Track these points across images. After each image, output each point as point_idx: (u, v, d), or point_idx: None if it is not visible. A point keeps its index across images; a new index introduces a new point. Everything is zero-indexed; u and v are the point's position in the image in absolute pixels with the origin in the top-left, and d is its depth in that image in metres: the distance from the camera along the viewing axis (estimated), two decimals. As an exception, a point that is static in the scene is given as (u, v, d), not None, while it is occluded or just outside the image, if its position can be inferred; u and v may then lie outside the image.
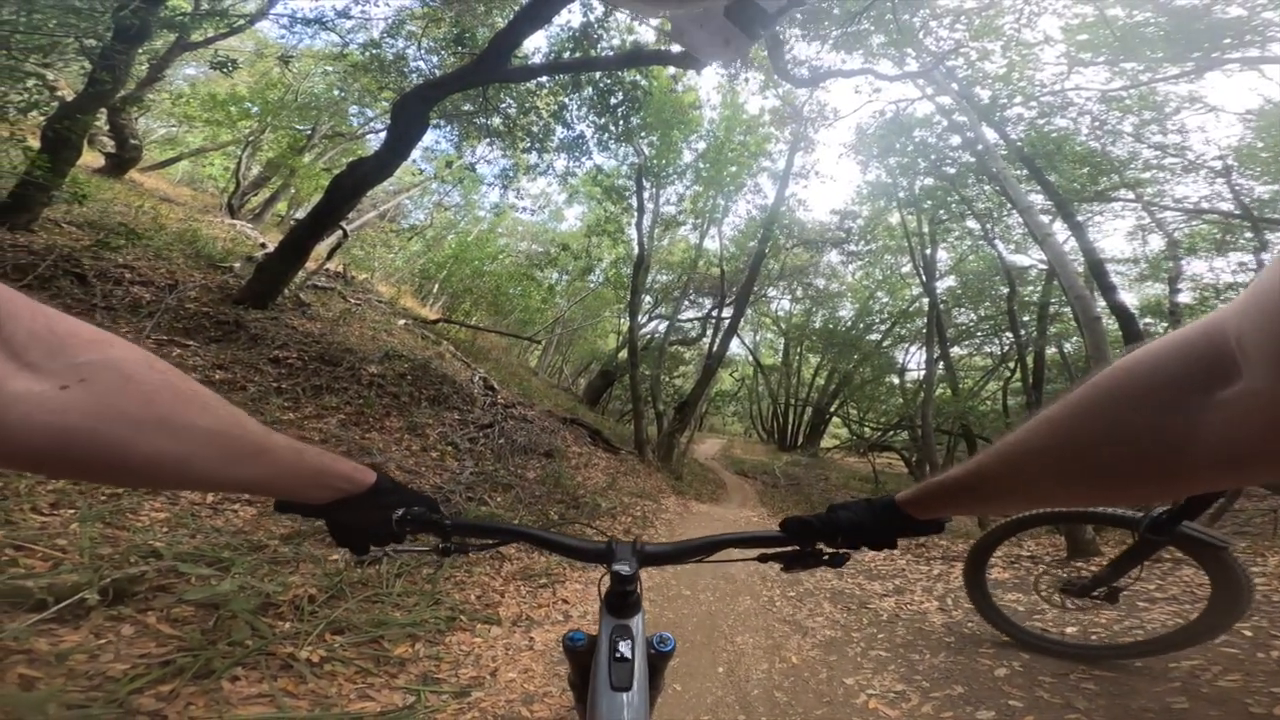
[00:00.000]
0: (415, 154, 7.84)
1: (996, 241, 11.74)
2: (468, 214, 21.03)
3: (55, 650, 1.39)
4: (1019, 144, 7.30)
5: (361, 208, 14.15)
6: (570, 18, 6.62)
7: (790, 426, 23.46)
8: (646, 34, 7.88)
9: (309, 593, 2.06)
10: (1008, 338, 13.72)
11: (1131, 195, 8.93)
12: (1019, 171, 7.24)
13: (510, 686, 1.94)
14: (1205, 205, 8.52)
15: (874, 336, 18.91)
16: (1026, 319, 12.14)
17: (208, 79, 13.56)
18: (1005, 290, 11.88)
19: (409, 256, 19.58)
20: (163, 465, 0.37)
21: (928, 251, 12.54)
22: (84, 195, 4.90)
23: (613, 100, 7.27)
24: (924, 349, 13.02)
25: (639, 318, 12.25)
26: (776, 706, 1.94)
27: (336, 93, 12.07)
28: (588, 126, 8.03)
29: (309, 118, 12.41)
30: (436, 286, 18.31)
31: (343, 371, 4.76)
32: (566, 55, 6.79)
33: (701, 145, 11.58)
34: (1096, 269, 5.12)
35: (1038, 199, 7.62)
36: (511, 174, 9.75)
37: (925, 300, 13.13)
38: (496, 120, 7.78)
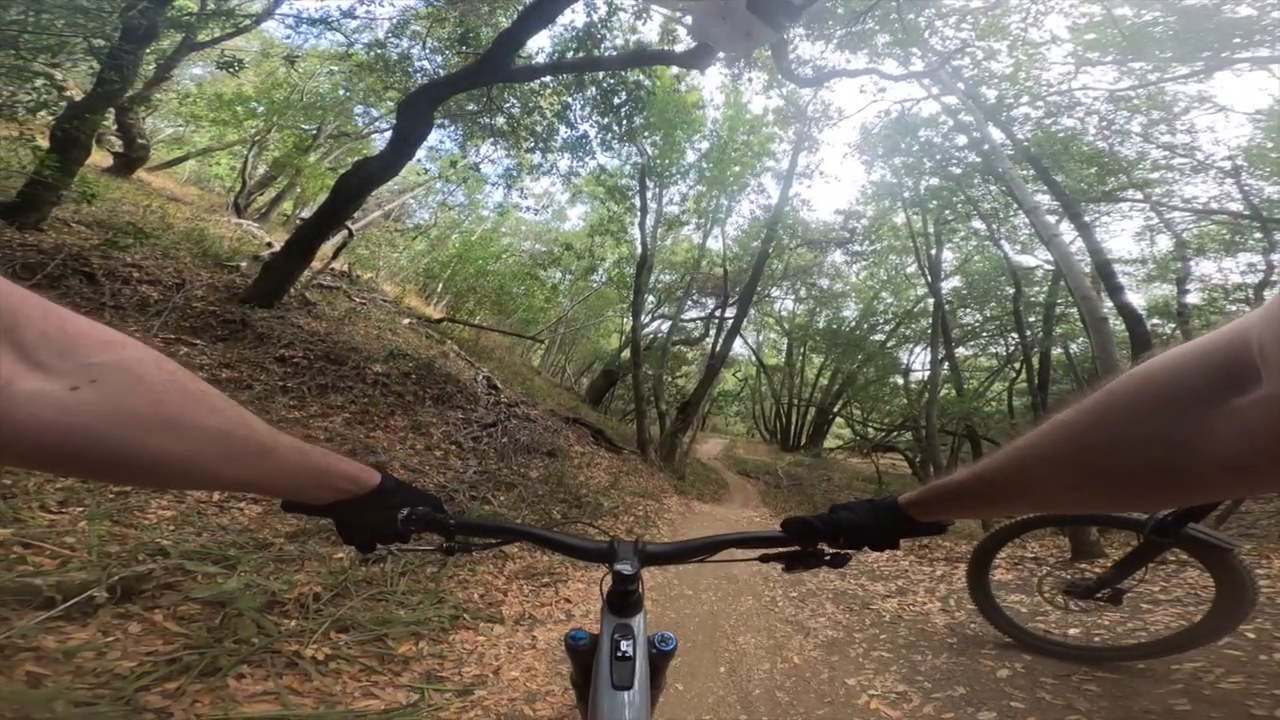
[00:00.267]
0: (420, 153, 7.89)
1: (1002, 242, 11.69)
2: (472, 213, 21.09)
3: (63, 647, 1.40)
4: (1025, 144, 7.28)
5: (367, 207, 14.20)
6: (574, 17, 6.62)
7: (793, 427, 23.42)
8: (650, 34, 7.88)
9: (314, 591, 2.08)
10: (1013, 338, 13.67)
11: (1139, 195, 8.87)
12: (1025, 171, 7.21)
13: (513, 685, 1.95)
14: (1214, 205, 8.45)
15: (878, 337, 18.87)
16: (1032, 320, 12.08)
17: (214, 79, 13.64)
18: (1011, 291, 11.83)
19: (414, 256, 19.66)
20: (170, 465, 0.37)
21: (933, 252, 12.48)
22: (92, 194, 4.93)
23: (616, 100, 7.27)
24: (928, 349, 12.97)
25: (642, 317, 12.24)
26: (778, 706, 1.94)
27: (342, 92, 12.12)
28: (591, 126, 8.04)
29: (314, 117, 12.47)
30: (441, 286, 18.37)
31: (348, 370, 4.78)
32: (570, 55, 6.80)
33: (705, 145, 11.56)
34: (1104, 269, 5.09)
35: (1044, 199, 7.57)
36: (515, 173, 9.77)
37: (930, 300, 13.08)
38: (500, 120, 7.80)
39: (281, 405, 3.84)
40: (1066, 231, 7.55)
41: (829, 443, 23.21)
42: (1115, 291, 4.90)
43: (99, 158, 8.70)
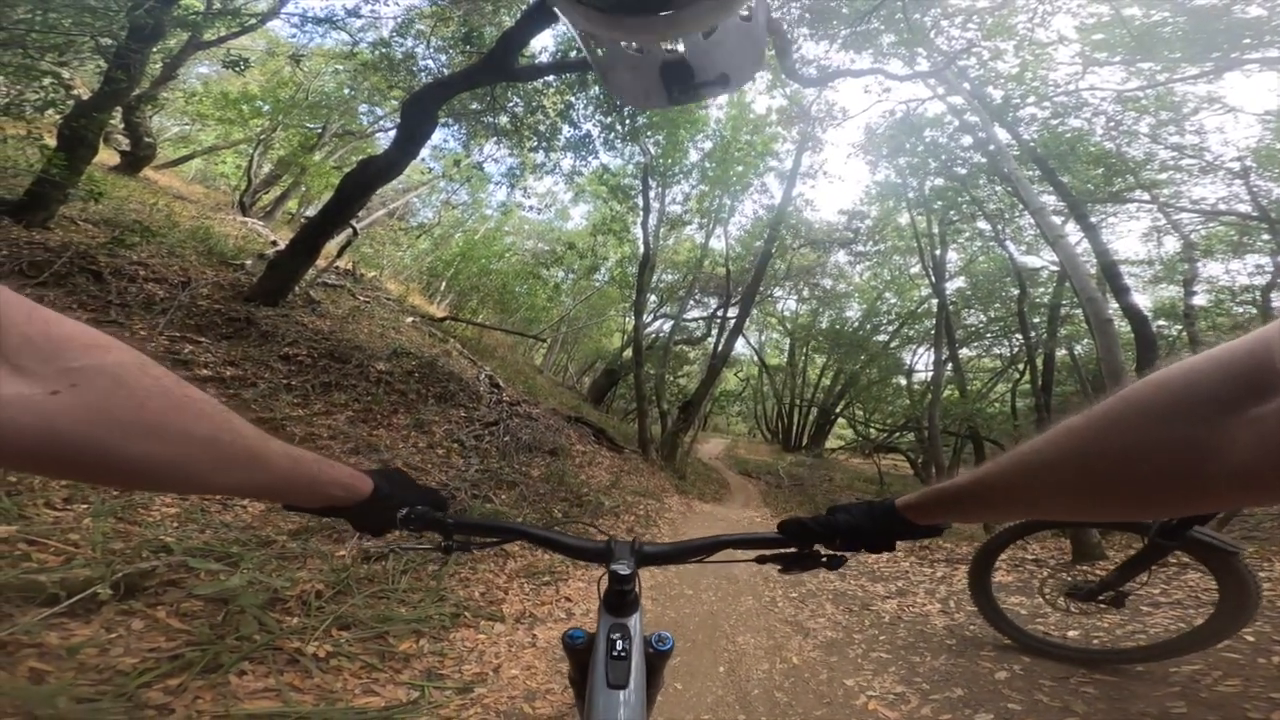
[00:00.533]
0: (424, 152, 7.90)
1: (1008, 243, 11.62)
2: (475, 212, 21.12)
3: (66, 644, 1.41)
4: (1032, 144, 7.22)
5: (371, 206, 14.23)
6: (578, 17, 6.60)
7: (795, 427, 23.38)
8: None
9: (316, 588, 2.09)
10: (1017, 339, 13.59)
11: (1147, 196, 8.80)
12: (1031, 172, 7.15)
13: (513, 683, 1.96)
14: (1222, 207, 8.39)
15: (881, 337, 18.80)
16: (1037, 321, 12.01)
17: (220, 77, 13.70)
18: (1016, 292, 11.76)
19: (417, 254, 19.72)
20: (154, 470, 0.37)
21: (937, 252, 12.43)
22: (99, 193, 4.96)
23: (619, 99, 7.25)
24: (932, 350, 12.91)
25: (644, 317, 12.25)
26: (776, 706, 1.94)
27: (347, 91, 12.16)
28: (594, 125, 8.04)
29: (320, 116, 12.52)
30: (444, 284, 18.42)
31: (351, 369, 4.80)
32: (573, 54, 6.80)
33: (708, 145, 11.53)
34: (1109, 271, 5.05)
35: (1050, 200, 7.52)
36: (518, 173, 9.78)
37: (934, 301, 13.03)
38: (504, 119, 7.80)
39: (285, 403, 3.86)
40: (1072, 232, 7.51)
41: (831, 443, 23.18)
42: (1121, 293, 4.86)
43: (106, 156, 8.75)
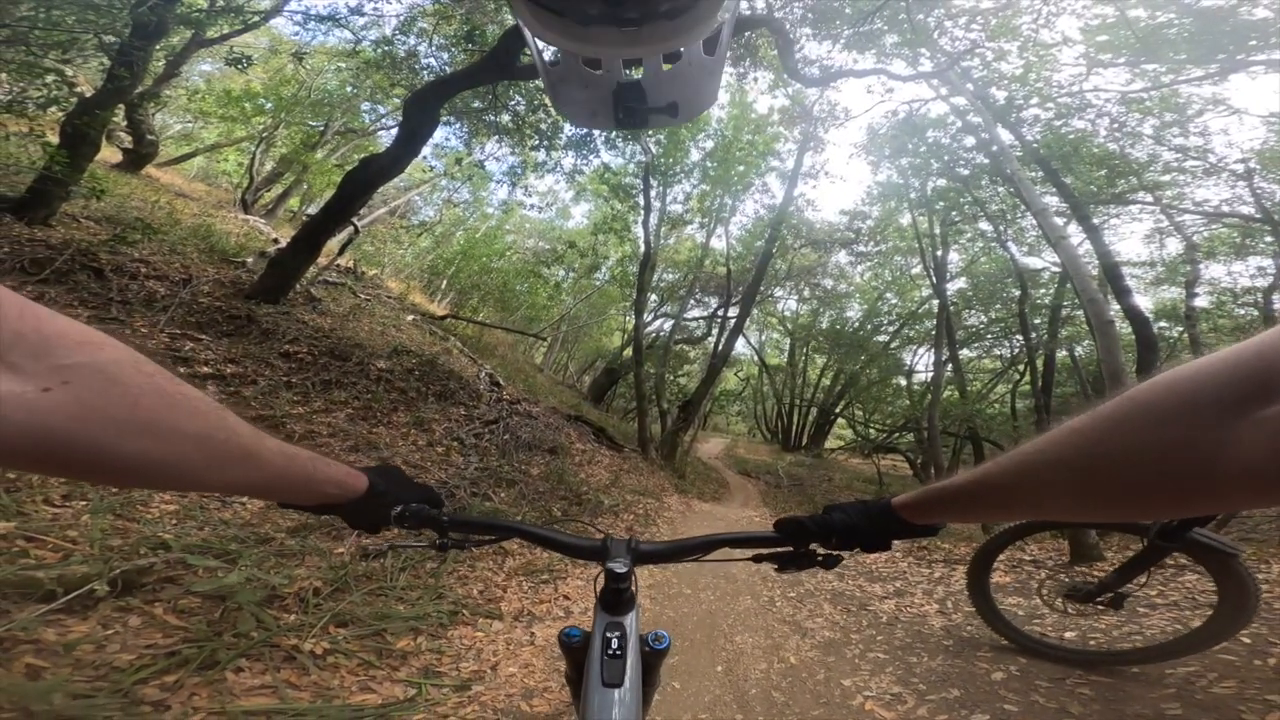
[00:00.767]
0: (425, 151, 7.91)
1: (1009, 244, 11.60)
2: (476, 211, 21.11)
3: (63, 640, 1.42)
4: (1035, 145, 7.20)
5: (372, 204, 14.25)
6: (580, 15, 6.60)
7: (795, 427, 23.38)
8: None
9: (314, 586, 2.09)
10: (1018, 340, 13.58)
11: (1150, 198, 8.78)
12: (1034, 173, 7.13)
13: (511, 681, 1.96)
14: (1225, 209, 8.37)
15: (881, 338, 18.77)
16: (1038, 322, 12.00)
17: (223, 75, 13.70)
18: (1017, 293, 11.75)
19: (418, 253, 19.74)
20: (146, 467, 0.37)
21: (939, 253, 12.41)
22: (101, 190, 4.97)
23: (621, 98, 7.24)
24: (932, 351, 12.90)
25: (644, 316, 12.24)
26: (774, 706, 1.95)
27: (349, 89, 12.16)
28: (595, 125, 8.01)
29: (322, 114, 12.53)
30: (445, 283, 18.43)
31: (352, 366, 4.81)
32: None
33: (709, 144, 11.53)
34: (1111, 272, 5.04)
35: (1053, 201, 7.51)
36: (520, 171, 9.78)
37: (935, 302, 13.01)
38: (506, 117, 7.80)
39: (285, 400, 3.86)
40: (1074, 233, 7.49)
41: (830, 443, 23.18)
42: (1122, 294, 4.85)
43: (108, 153, 8.77)
